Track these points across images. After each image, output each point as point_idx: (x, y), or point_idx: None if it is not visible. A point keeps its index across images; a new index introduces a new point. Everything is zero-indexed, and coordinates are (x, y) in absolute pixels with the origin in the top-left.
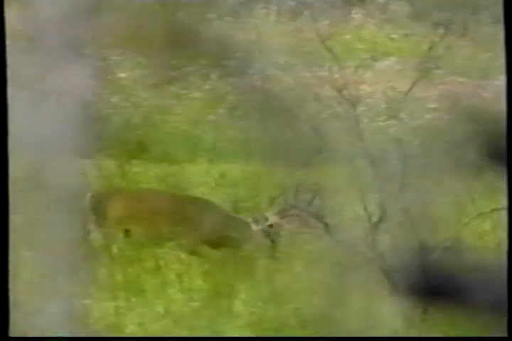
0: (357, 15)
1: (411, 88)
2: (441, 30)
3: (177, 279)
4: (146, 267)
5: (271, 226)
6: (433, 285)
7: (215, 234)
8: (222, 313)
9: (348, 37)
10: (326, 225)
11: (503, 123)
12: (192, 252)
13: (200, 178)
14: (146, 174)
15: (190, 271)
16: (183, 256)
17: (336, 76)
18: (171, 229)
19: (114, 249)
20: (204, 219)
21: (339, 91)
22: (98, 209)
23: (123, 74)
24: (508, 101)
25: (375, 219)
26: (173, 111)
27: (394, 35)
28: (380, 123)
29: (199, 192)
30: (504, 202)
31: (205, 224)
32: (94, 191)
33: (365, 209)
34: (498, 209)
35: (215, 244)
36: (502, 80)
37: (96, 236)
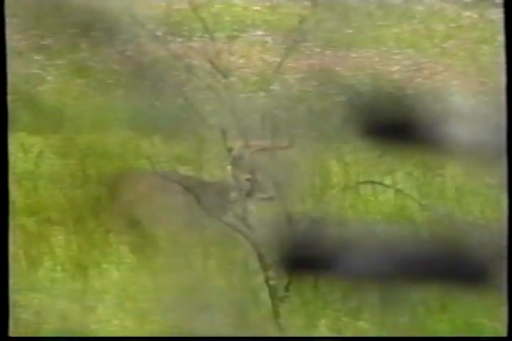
0: None
1: (281, 61)
2: (308, 3)
3: None
4: None
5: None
6: (298, 256)
7: None
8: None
9: (217, 7)
10: (196, 195)
11: (368, 94)
12: None
13: (65, 149)
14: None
15: None
16: None
17: (208, 47)
18: None
19: None
20: None
21: (211, 62)
22: None
23: None
24: (508, 101)
25: (245, 190)
26: (39, 80)
27: (259, 8)
28: (251, 95)
29: (66, 163)
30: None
31: None
32: None
33: (236, 180)
34: (364, 183)
35: None
36: (364, 53)
37: None
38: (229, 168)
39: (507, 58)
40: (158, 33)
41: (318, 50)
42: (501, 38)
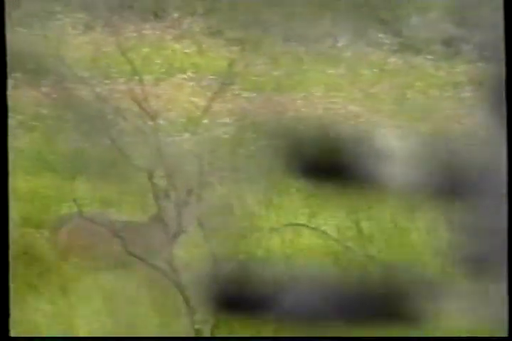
0: (152, 30)
1: (209, 103)
2: (235, 47)
3: None
4: None
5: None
6: (224, 298)
7: None
8: None
9: (145, 51)
10: (123, 239)
11: (293, 137)
12: None
13: None
14: None
15: None
16: None
17: (136, 89)
18: None
19: None
20: None
21: (139, 104)
22: None
23: None
24: (508, 101)
25: (171, 232)
26: None
27: (188, 51)
28: (178, 138)
29: None
30: (295, 218)
31: None
32: None
33: (162, 222)
34: (290, 225)
35: None
36: (290, 96)
37: None
38: (155, 210)
39: (507, 59)
40: (85, 75)
41: (245, 93)
42: (422, 84)
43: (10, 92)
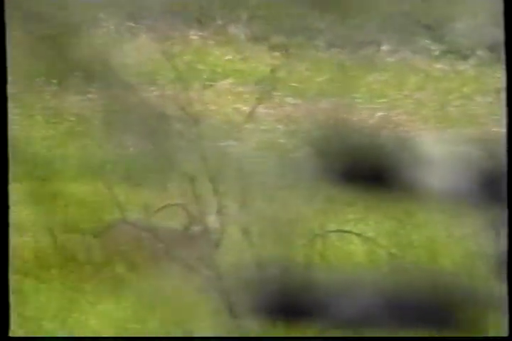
0: (195, 36)
1: (252, 109)
2: (278, 54)
3: None
4: None
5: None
6: (269, 304)
7: None
8: None
9: (189, 57)
10: (166, 245)
11: (338, 143)
12: None
13: (32, 198)
14: None
15: None
16: None
17: (180, 95)
18: None
19: None
20: None
21: (183, 110)
22: None
23: None
24: (508, 101)
25: (214, 238)
26: (10, 127)
27: (231, 57)
28: (221, 143)
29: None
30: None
31: None
32: None
33: (205, 228)
34: (335, 231)
35: None
36: (334, 102)
37: None
38: (198, 215)
39: (507, 61)
40: (131, 82)
41: (289, 99)
42: (467, 89)
43: (56, 99)
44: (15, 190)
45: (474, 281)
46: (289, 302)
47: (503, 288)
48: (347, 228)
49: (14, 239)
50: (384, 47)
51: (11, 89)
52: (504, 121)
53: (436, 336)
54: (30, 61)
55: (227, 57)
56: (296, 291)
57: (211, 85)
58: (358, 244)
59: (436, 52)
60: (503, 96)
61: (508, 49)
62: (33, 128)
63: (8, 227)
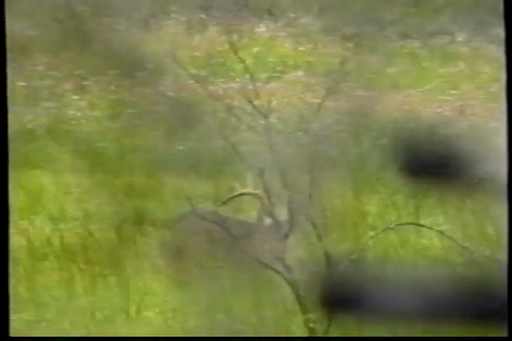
0: (266, 28)
1: (322, 101)
2: (350, 45)
3: None
4: None
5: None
6: (338, 297)
7: None
8: None
9: (258, 49)
10: (234, 237)
11: (409, 135)
12: None
13: (103, 188)
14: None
15: None
16: None
17: (248, 87)
18: None
19: None
20: None
21: (251, 102)
22: None
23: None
24: (508, 101)
25: (283, 231)
26: (78, 121)
27: (302, 48)
28: (290, 135)
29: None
30: (410, 217)
31: None
32: None
33: (274, 220)
34: (406, 224)
35: None
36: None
37: None
38: (267, 208)
39: (507, 60)
40: (200, 74)
41: (359, 91)
42: None
43: (123, 92)
44: (83, 184)
45: None
46: (356, 296)
47: None
48: (417, 221)
49: (84, 230)
50: (458, 38)
51: (84, 82)
52: None
53: (437, 336)
54: (100, 55)
55: (300, 48)
56: (364, 285)
57: (280, 77)
58: (430, 238)
59: None
60: None
61: (508, 49)
62: (101, 121)
63: (7, 228)
